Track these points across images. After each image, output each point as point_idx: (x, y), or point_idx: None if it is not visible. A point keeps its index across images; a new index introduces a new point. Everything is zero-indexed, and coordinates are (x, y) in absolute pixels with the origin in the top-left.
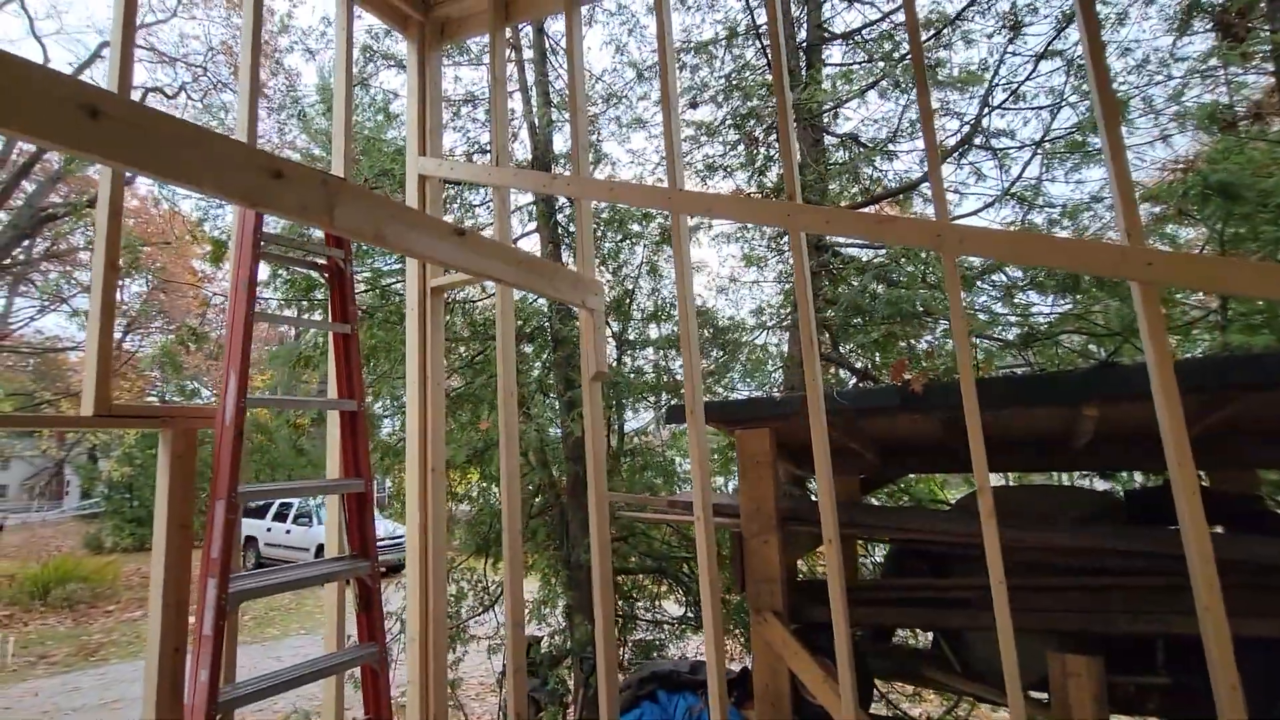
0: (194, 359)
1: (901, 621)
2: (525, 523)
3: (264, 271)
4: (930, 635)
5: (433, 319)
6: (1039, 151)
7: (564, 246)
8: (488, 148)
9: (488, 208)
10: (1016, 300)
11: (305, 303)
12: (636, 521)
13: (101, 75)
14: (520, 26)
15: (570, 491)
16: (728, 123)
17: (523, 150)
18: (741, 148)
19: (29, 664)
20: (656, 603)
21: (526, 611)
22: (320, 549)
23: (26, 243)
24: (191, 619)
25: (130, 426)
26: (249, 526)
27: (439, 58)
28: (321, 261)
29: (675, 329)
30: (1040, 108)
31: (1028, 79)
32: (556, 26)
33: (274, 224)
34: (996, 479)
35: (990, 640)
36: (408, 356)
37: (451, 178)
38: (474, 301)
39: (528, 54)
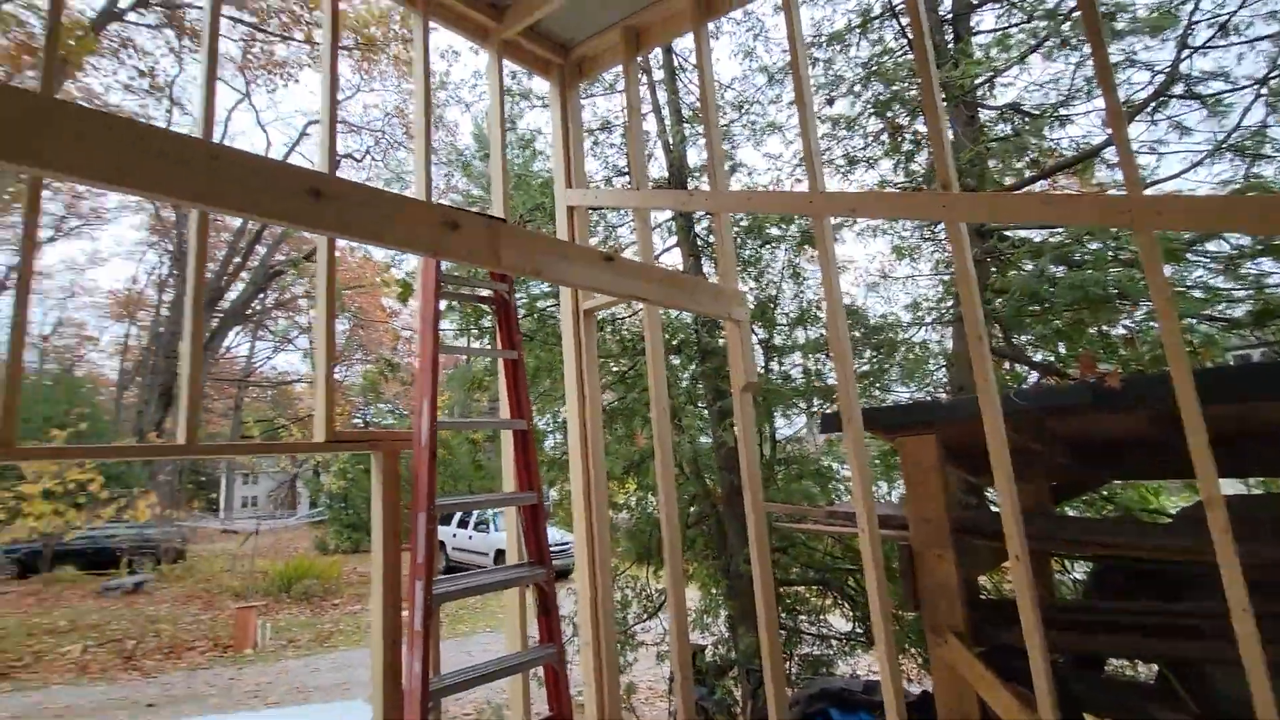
0: (391, 386)
1: (1115, 650)
2: (683, 532)
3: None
4: (1154, 667)
5: (586, 340)
6: (1262, 92)
7: (704, 257)
8: (625, 170)
9: (629, 226)
10: (1244, 271)
11: (475, 330)
12: (795, 532)
13: (309, 149)
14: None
15: (725, 501)
16: (867, 112)
17: (658, 168)
18: (885, 137)
19: (281, 646)
20: (821, 616)
21: (689, 620)
22: (498, 554)
23: (261, 295)
24: (404, 614)
25: (350, 450)
26: (438, 532)
27: (578, 95)
28: (488, 294)
29: (823, 332)
30: (1259, 39)
31: (1241, 8)
32: (684, 43)
33: (445, 264)
34: (1233, 485)
35: (1239, 676)
36: (566, 376)
37: (597, 205)
38: (621, 319)
39: (658, 75)
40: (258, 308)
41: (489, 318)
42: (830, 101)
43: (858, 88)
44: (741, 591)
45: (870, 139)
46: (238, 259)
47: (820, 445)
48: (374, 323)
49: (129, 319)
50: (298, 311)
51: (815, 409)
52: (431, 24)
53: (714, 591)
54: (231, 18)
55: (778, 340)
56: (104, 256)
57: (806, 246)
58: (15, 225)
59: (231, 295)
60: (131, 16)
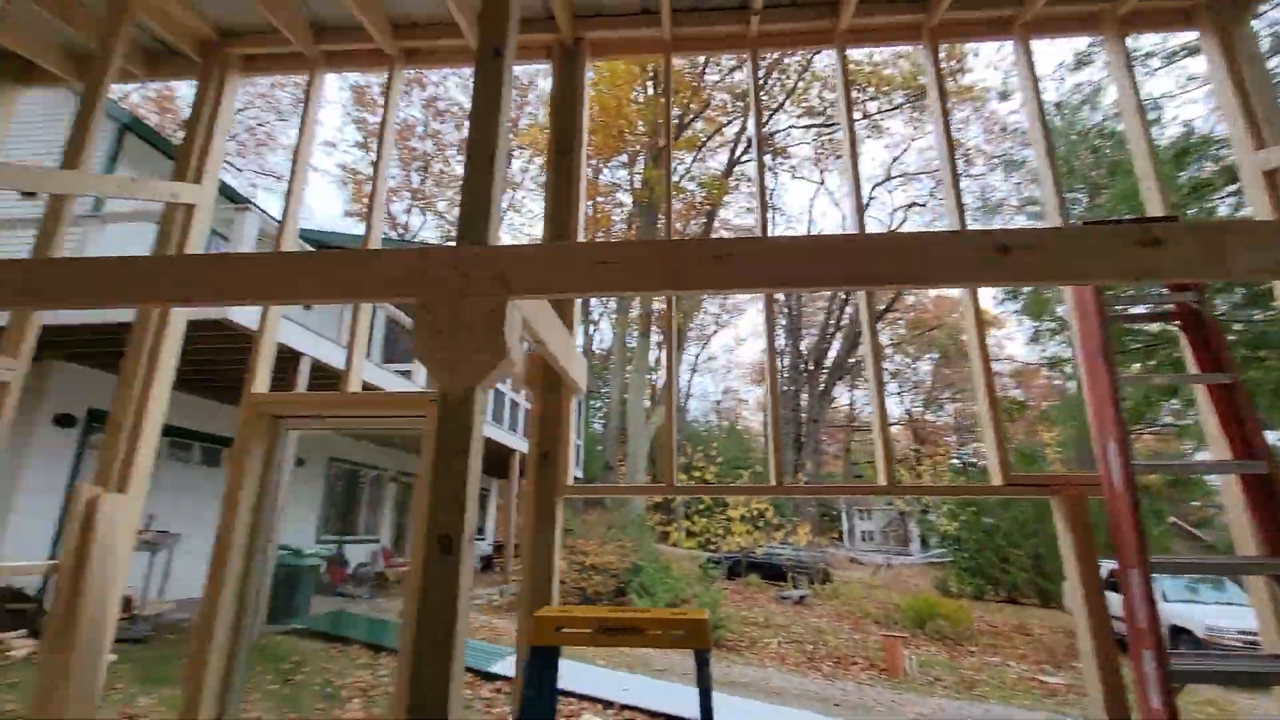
0: (1015, 426)
1: None
2: None
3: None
4: None
5: None
6: None
7: None
8: None
9: None
10: None
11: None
12: None
13: (874, 210)
14: None
15: None
16: None
17: None
18: None
19: (929, 682)
20: None
21: None
22: (1173, 630)
23: (854, 349)
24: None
25: (1028, 495)
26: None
27: (1247, 23)
28: (1167, 309)
29: None
30: None
31: None
32: None
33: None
34: None
35: None
36: None
37: None
38: None
39: None
40: (852, 361)
41: (1130, 337)
42: None
43: None
44: None
45: None
46: (832, 322)
47: None
48: (958, 358)
49: (762, 382)
50: (888, 360)
51: None
52: (1032, 39)
53: None
54: (805, 125)
55: None
56: (743, 338)
57: None
58: (698, 326)
59: (831, 352)
60: (743, 157)
